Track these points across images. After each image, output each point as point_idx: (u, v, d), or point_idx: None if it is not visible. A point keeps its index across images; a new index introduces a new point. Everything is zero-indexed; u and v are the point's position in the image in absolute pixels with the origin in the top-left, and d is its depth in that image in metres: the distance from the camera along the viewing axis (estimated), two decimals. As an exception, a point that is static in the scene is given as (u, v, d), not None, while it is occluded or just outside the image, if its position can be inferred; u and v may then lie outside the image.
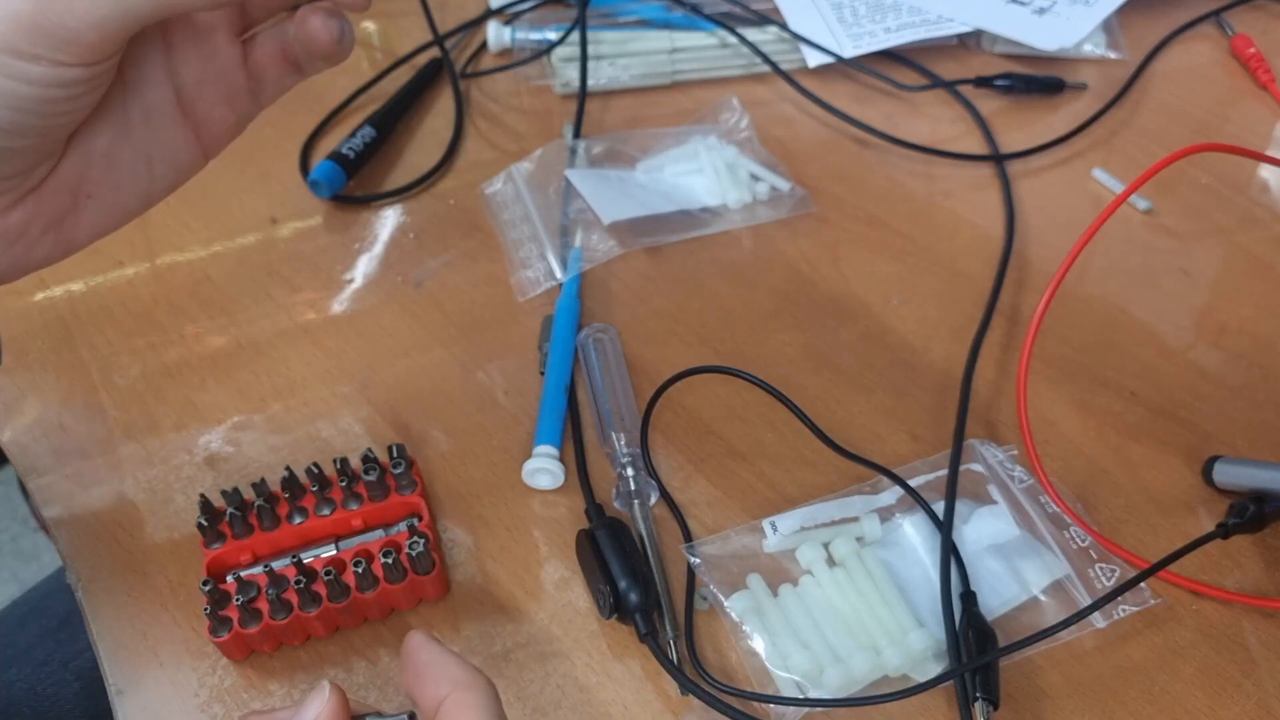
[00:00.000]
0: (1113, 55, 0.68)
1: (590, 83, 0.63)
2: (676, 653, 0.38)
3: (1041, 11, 0.68)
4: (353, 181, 0.58)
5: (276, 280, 0.53)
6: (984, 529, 0.42)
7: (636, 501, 0.42)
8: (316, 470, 0.40)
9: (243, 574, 0.39)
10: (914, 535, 0.42)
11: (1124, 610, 0.40)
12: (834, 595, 0.40)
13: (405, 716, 0.30)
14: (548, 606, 0.40)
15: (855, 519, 0.42)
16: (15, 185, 0.32)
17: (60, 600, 0.56)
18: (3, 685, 0.54)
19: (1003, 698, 0.37)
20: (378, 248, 0.55)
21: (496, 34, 0.67)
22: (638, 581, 0.38)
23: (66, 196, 0.34)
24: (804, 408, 0.43)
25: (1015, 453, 0.45)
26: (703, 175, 0.57)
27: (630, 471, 0.43)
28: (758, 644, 0.38)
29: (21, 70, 0.29)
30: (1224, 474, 0.43)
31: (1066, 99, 0.65)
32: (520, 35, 0.67)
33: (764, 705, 0.37)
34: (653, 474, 0.44)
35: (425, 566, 0.38)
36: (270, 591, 0.37)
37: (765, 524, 0.42)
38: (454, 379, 0.48)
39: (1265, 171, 0.60)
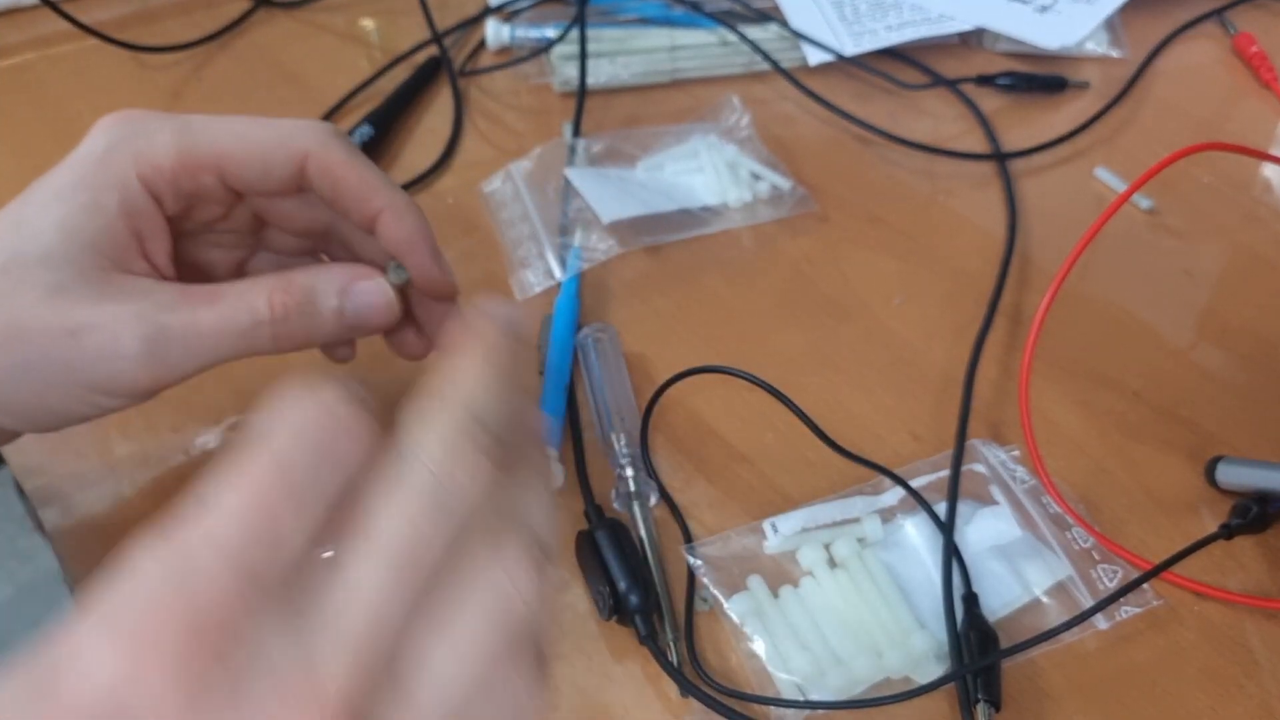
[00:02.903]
0: (1115, 54, 0.67)
1: (590, 81, 0.63)
2: (677, 655, 0.38)
3: (1043, 10, 0.68)
4: (351, 180, 0.57)
5: (274, 279, 0.52)
6: (986, 530, 0.42)
7: (636, 502, 0.42)
8: (314, 471, 0.40)
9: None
10: (915, 536, 0.41)
11: (1126, 611, 0.39)
12: (835, 597, 0.39)
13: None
14: (547, 607, 0.40)
15: (856, 520, 0.42)
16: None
17: None
18: None
19: (1005, 699, 0.37)
20: (376, 247, 0.54)
21: (495, 32, 0.67)
22: (638, 583, 0.38)
23: None
24: (804, 408, 0.42)
25: (1017, 453, 0.45)
26: (703, 174, 0.57)
27: (630, 472, 0.43)
28: (758, 646, 0.38)
29: (107, 405, 0.33)
30: (1227, 474, 0.43)
31: (1068, 97, 0.65)
32: (519, 33, 0.66)
33: (765, 707, 0.37)
34: (652, 474, 0.44)
35: (424, 568, 0.38)
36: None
37: (766, 525, 0.42)
38: (453, 379, 0.48)
39: (1268, 170, 0.60)
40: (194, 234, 0.37)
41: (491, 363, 0.23)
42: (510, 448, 0.22)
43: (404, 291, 0.36)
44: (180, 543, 0.19)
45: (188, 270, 0.37)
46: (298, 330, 0.33)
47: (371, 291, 0.34)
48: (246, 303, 0.32)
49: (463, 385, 0.23)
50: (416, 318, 0.38)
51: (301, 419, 0.20)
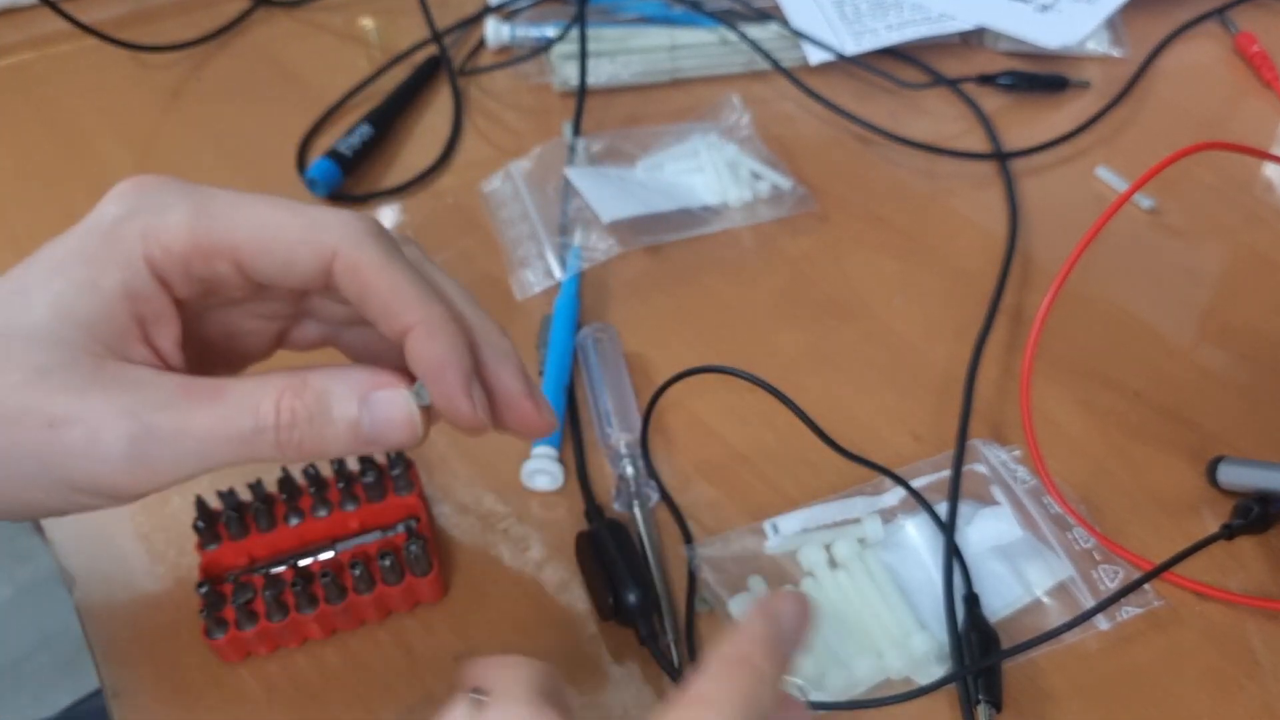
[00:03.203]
0: (1116, 53, 0.67)
1: (590, 80, 0.63)
2: (677, 655, 0.38)
3: (1045, 9, 0.68)
4: (350, 180, 0.57)
5: (274, 279, 0.52)
6: (987, 530, 0.41)
7: (636, 503, 0.42)
8: (313, 472, 0.40)
9: (239, 576, 0.38)
10: (916, 537, 0.41)
11: (1128, 612, 0.39)
12: (836, 597, 0.39)
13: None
14: (546, 609, 0.40)
15: (857, 520, 0.42)
16: None
17: None
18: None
19: (1006, 700, 0.37)
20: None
21: (495, 31, 0.66)
22: (638, 584, 0.38)
23: None
24: (805, 408, 0.42)
25: (1018, 453, 0.44)
26: (703, 173, 0.57)
27: (630, 472, 0.43)
28: (759, 647, 0.38)
29: (86, 504, 0.29)
30: (1228, 475, 0.43)
31: (1070, 97, 0.64)
32: (519, 32, 0.66)
33: (765, 708, 0.37)
34: (653, 475, 0.43)
35: (423, 569, 0.38)
36: (267, 593, 0.37)
37: (766, 525, 0.42)
38: (452, 379, 0.48)
39: (1269, 170, 0.59)
40: (217, 309, 0.33)
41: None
42: None
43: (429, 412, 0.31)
44: None
45: (216, 342, 0.33)
46: (307, 440, 0.29)
47: (393, 404, 0.29)
48: (250, 405, 0.28)
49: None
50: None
51: None
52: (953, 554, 0.40)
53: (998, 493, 0.43)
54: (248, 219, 0.29)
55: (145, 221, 0.29)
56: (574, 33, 0.64)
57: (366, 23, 0.71)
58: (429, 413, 0.30)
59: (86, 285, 0.28)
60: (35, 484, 0.28)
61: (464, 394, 0.30)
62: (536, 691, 0.24)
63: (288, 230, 0.29)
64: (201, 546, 0.39)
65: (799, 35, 0.66)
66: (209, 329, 0.33)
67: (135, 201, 0.29)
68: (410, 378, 0.30)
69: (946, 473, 0.43)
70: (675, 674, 0.37)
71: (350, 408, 0.29)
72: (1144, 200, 0.57)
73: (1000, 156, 0.60)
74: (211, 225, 0.29)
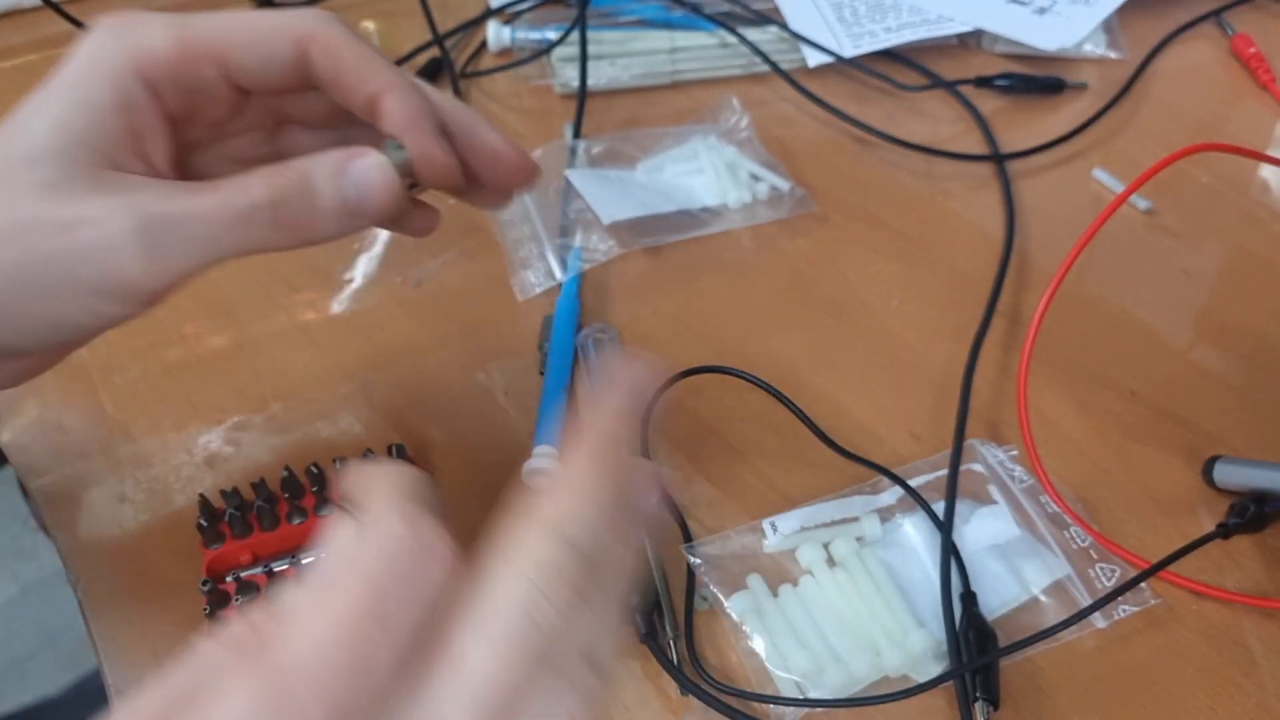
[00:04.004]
0: (1113, 55, 0.68)
1: (590, 82, 0.63)
2: (676, 653, 0.38)
3: (1042, 11, 0.68)
4: (352, 181, 0.58)
5: (276, 280, 0.53)
6: (984, 529, 0.42)
7: (636, 502, 0.42)
8: (316, 470, 0.40)
9: (242, 574, 0.39)
10: (914, 535, 0.42)
11: (1124, 610, 0.40)
12: (834, 595, 0.40)
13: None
14: (548, 607, 0.40)
15: (855, 519, 0.42)
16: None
17: None
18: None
19: (1003, 698, 0.37)
20: (377, 247, 0.55)
21: (496, 34, 0.67)
22: (637, 582, 0.38)
23: None
24: (804, 408, 0.43)
25: (1015, 453, 0.45)
26: (703, 175, 0.57)
27: (630, 472, 0.43)
28: (758, 644, 0.38)
29: (104, 311, 0.30)
30: (1224, 474, 0.43)
31: (1067, 99, 0.65)
32: (520, 35, 0.67)
33: (764, 705, 0.37)
34: (653, 474, 0.44)
35: (425, 567, 0.38)
36: (270, 592, 0.37)
37: (765, 524, 0.42)
38: (454, 379, 0.48)
39: (1266, 171, 0.60)
40: (202, 144, 0.35)
41: (598, 482, 0.23)
42: (601, 572, 0.22)
43: (410, 174, 0.33)
44: (273, 675, 0.19)
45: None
46: (299, 216, 0.31)
47: (369, 168, 0.32)
48: (242, 188, 0.30)
49: (563, 510, 0.22)
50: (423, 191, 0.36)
51: (388, 542, 0.20)
52: (950, 552, 0.40)
53: (995, 492, 0.43)
54: (227, 21, 0.32)
55: (131, 40, 0.31)
56: (574, 35, 0.64)
57: (368, 25, 0.71)
58: (410, 175, 0.33)
59: (80, 104, 0.30)
60: (56, 294, 0.29)
61: (435, 140, 0.33)
62: (408, 499, 0.23)
63: (264, 24, 0.32)
64: (205, 545, 0.39)
65: (798, 38, 0.66)
66: (193, 168, 0.35)
67: (117, 27, 0.31)
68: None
69: (944, 472, 0.43)
70: (675, 672, 0.37)
71: (332, 181, 0.31)
72: (1141, 201, 0.57)
73: (998, 158, 0.60)
74: (194, 32, 0.31)
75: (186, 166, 0.34)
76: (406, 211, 0.37)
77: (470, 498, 0.44)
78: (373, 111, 0.33)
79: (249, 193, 0.30)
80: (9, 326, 0.30)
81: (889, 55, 0.67)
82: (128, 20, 0.31)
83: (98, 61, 0.31)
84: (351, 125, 0.36)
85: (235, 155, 0.36)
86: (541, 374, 0.47)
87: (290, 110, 0.35)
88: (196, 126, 0.34)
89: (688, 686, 0.37)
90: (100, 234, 0.28)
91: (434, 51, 0.66)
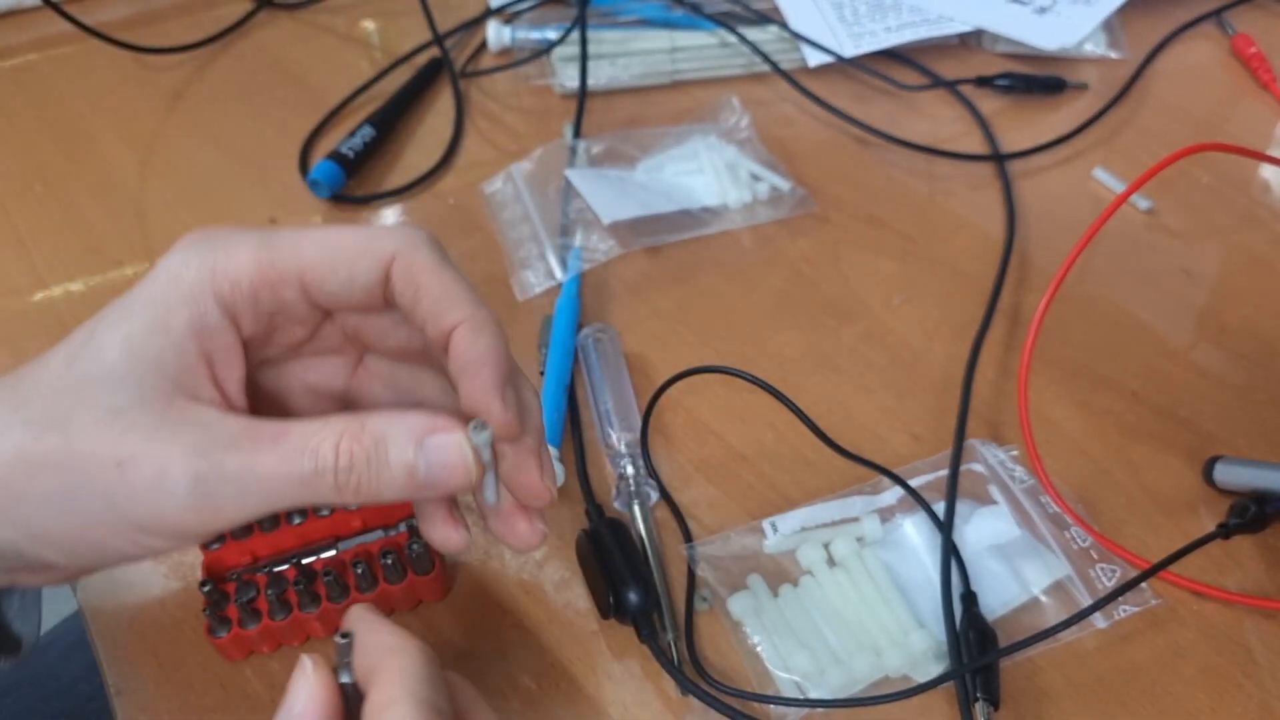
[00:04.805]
0: (1113, 55, 0.68)
1: (590, 82, 0.63)
2: (677, 653, 0.38)
3: (1042, 11, 0.68)
4: (352, 181, 0.58)
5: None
6: (985, 529, 0.42)
7: (636, 502, 0.42)
8: (316, 470, 0.40)
9: (242, 575, 0.39)
10: (915, 536, 0.42)
11: (1125, 611, 0.40)
12: (834, 596, 0.40)
13: (346, 663, 0.29)
14: (547, 607, 0.40)
15: (856, 519, 0.42)
16: None
17: None
18: (46, 719, 0.54)
19: (1003, 698, 0.37)
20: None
21: (496, 33, 0.67)
22: (638, 582, 0.38)
23: None
24: (804, 408, 0.43)
25: (1016, 453, 0.45)
26: (703, 175, 0.57)
27: (630, 471, 0.43)
28: (758, 644, 0.38)
29: (152, 545, 0.30)
30: (1225, 474, 0.43)
31: (1067, 98, 0.65)
32: (520, 34, 0.66)
33: (764, 706, 0.37)
34: (653, 474, 0.44)
35: (425, 567, 0.38)
36: (270, 592, 0.37)
37: (765, 524, 0.42)
38: (454, 379, 0.48)
39: (1266, 171, 0.60)
40: (278, 361, 0.33)
41: (419, 654, 0.28)
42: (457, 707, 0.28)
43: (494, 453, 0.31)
44: None
45: (271, 408, 0.34)
46: (364, 483, 0.29)
47: (447, 448, 0.29)
48: (311, 447, 0.28)
49: (411, 681, 0.27)
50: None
51: None
52: (950, 553, 0.40)
53: (995, 492, 0.43)
54: (311, 241, 0.30)
55: (212, 261, 0.30)
56: (575, 35, 0.64)
57: (368, 25, 0.71)
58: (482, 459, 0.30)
59: (157, 325, 0.29)
60: (102, 524, 0.28)
61: (497, 391, 0.30)
62: (419, 702, 0.27)
63: (348, 243, 0.30)
64: (204, 546, 0.39)
65: (798, 37, 0.66)
66: (266, 385, 0.33)
67: (200, 246, 0.30)
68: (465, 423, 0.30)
69: (944, 472, 0.43)
70: (675, 672, 0.37)
71: (407, 452, 0.29)
72: (1141, 201, 0.57)
73: (998, 158, 0.60)
74: (276, 253, 0.30)
75: (259, 385, 0.33)
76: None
77: (470, 498, 0.44)
78: (444, 347, 0.31)
79: (317, 455, 0.28)
80: (53, 548, 0.29)
81: (889, 55, 0.67)
82: (213, 238, 0.30)
83: (179, 282, 0.29)
84: (440, 364, 0.33)
85: (311, 383, 0.34)
86: (541, 374, 0.47)
87: (373, 338, 0.34)
88: (273, 346, 0.33)
89: (688, 687, 0.37)
90: (156, 477, 0.28)
91: (434, 51, 0.66)
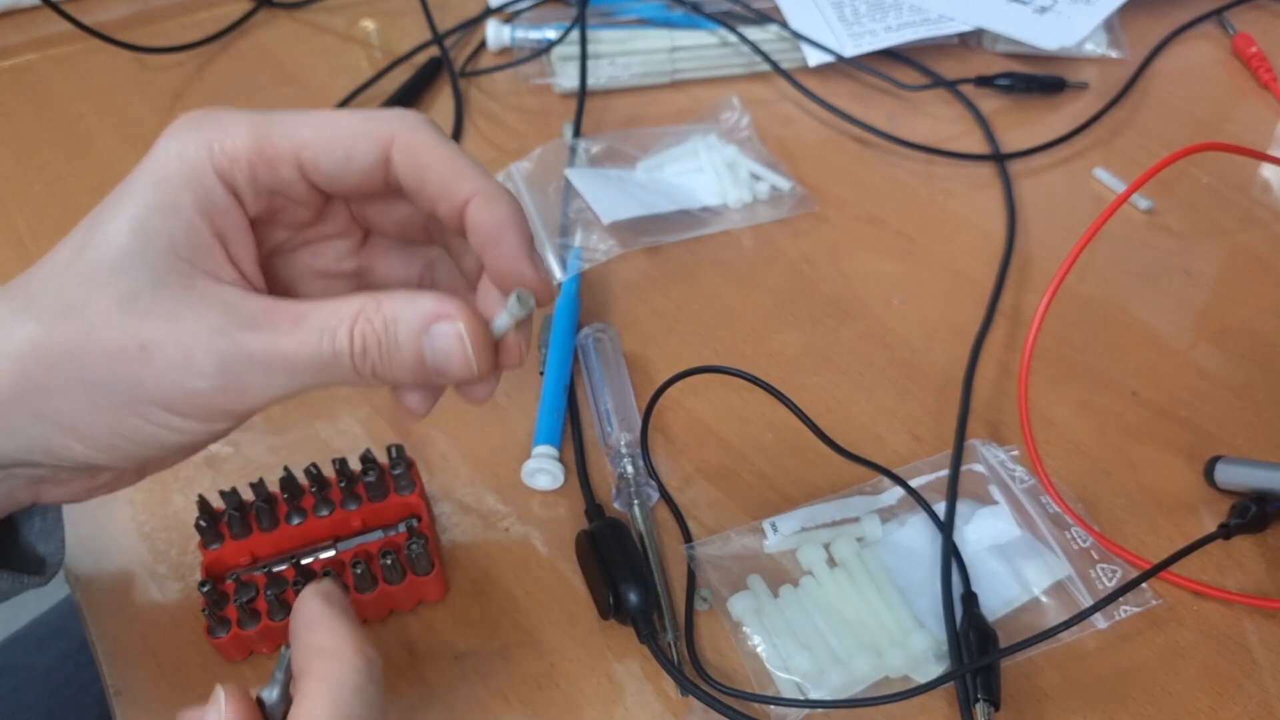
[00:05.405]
0: (1114, 54, 0.68)
1: (590, 82, 0.63)
2: (676, 653, 0.38)
3: (1043, 10, 0.68)
4: (352, 181, 0.58)
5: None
6: (985, 529, 0.42)
7: (636, 502, 0.42)
8: (315, 471, 0.40)
9: (241, 575, 0.39)
10: (915, 536, 0.42)
11: (1125, 611, 0.40)
12: (835, 596, 0.39)
13: (278, 678, 0.28)
14: (547, 607, 0.40)
15: (856, 519, 0.42)
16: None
17: (80, 623, 0.57)
18: (21, 708, 0.54)
19: (1004, 699, 0.37)
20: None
21: (496, 33, 0.67)
22: (638, 582, 0.38)
23: None
24: (804, 408, 0.43)
25: (1016, 453, 0.45)
26: (703, 174, 0.57)
27: (630, 471, 0.43)
28: (758, 645, 0.38)
29: (184, 428, 0.29)
30: (1225, 474, 0.43)
31: (1067, 98, 0.65)
32: (519, 34, 0.66)
33: (764, 706, 0.37)
34: (653, 474, 0.44)
35: (424, 567, 0.38)
36: (269, 592, 0.37)
37: (766, 524, 0.42)
38: (453, 379, 0.48)
39: (1267, 171, 0.60)
40: (286, 249, 0.33)
41: (353, 660, 0.28)
42: None
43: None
44: None
45: (284, 292, 0.33)
46: (379, 366, 0.29)
47: (449, 337, 0.29)
48: (329, 330, 0.28)
49: (338, 693, 0.27)
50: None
51: None
52: (951, 553, 0.40)
53: (996, 492, 0.43)
54: (308, 121, 0.30)
55: (208, 138, 0.29)
56: (574, 34, 0.64)
57: (368, 24, 0.71)
58: (502, 344, 0.30)
59: (163, 207, 0.29)
60: (129, 408, 0.28)
61: (526, 255, 0.30)
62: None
63: (346, 125, 0.30)
64: (204, 545, 0.39)
65: (798, 37, 0.66)
66: (278, 275, 0.33)
67: (195, 126, 0.30)
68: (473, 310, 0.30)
69: (945, 472, 0.43)
70: (675, 672, 0.37)
71: (417, 337, 0.29)
72: (1142, 201, 0.57)
73: (998, 158, 0.60)
74: (273, 131, 0.30)
75: (270, 272, 0.33)
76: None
77: (469, 498, 0.44)
78: (460, 225, 0.31)
79: (335, 339, 0.28)
80: (82, 439, 0.29)
81: (890, 54, 0.67)
82: (208, 117, 0.30)
83: (180, 162, 0.29)
84: (445, 240, 0.34)
85: (321, 267, 0.34)
86: (541, 374, 0.47)
87: (377, 219, 0.34)
88: (279, 230, 0.33)
89: (688, 687, 0.37)
90: (182, 358, 0.28)
91: (434, 50, 0.66)
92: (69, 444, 0.29)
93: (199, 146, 0.29)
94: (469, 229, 0.30)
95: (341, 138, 0.30)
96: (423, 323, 0.29)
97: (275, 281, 0.33)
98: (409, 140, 0.30)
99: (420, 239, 0.34)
